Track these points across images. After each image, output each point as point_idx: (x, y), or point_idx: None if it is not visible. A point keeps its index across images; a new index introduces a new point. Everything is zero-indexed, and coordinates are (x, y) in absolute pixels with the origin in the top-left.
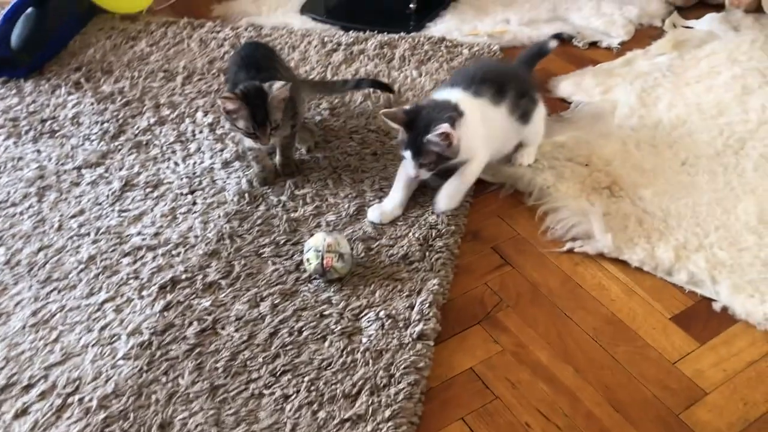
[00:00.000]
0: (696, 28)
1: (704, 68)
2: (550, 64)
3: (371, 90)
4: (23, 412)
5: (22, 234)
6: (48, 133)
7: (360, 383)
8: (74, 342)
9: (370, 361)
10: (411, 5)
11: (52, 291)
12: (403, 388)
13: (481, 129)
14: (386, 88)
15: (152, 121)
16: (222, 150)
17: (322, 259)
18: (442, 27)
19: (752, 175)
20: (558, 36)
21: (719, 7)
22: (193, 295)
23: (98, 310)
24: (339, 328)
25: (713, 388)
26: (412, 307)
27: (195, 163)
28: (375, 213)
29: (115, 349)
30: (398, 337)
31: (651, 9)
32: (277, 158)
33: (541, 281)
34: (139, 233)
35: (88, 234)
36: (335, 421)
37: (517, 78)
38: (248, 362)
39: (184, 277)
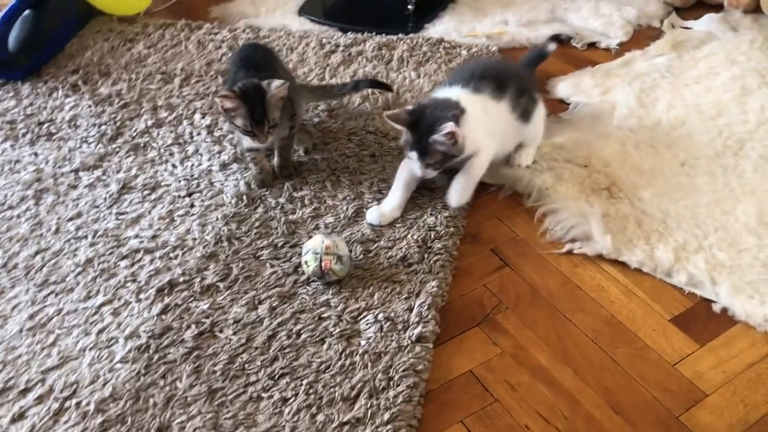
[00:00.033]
0: (694, 28)
1: (703, 69)
2: (549, 65)
3: (370, 91)
4: (20, 416)
5: (19, 237)
6: (45, 135)
7: (359, 386)
8: (71, 345)
9: (369, 363)
10: (409, 6)
11: (49, 294)
12: (402, 391)
13: (484, 122)
14: (385, 87)
15: (150, 123)
16: (220, 152)
17: (321, 261)
18: (440, 28)
19: (751, 176)
20: (556, 37)
21: (718, 8)
22: (191, 298)
23: (96, 313)
24: (337, 330)
25: (713, 389)
26: (410, 309)
27: (193, 165)
28: (374, 215)
29: (113, 352)
30: (397, 339)
31: (649, 10)
32: (275, 160)
33: (540, 283)
34: (136, 236)
35: (86, 237)
36: (334, 425)
37: (517, 76)
38: (246, 365)
39: (181, 279)
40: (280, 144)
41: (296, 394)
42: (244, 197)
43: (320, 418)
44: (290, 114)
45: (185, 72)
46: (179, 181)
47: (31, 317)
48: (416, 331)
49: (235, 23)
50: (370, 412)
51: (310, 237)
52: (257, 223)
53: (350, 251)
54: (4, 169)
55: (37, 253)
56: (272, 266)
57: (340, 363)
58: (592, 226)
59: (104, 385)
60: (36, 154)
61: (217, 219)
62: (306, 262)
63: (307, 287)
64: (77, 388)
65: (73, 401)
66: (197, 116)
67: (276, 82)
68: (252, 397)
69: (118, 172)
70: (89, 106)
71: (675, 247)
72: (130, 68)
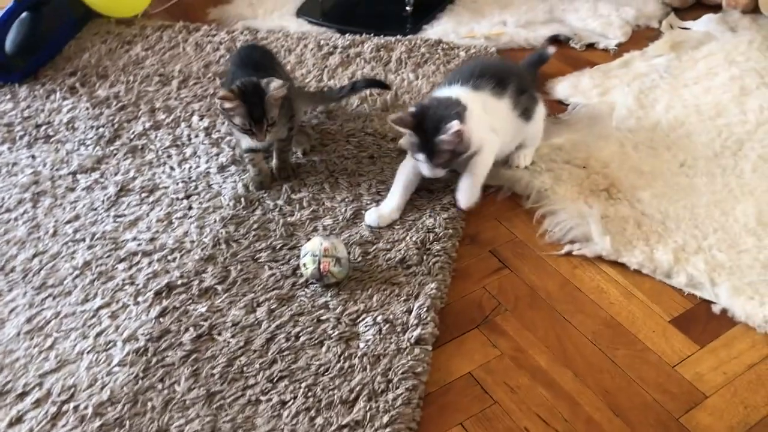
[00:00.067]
0: (693, 29)
1: (702, 69)
2: (547, 65)
3: (368, 93)
4: (18, 420)
5: (16, 240)
6: (43, 138)
7: (358, 389)
8: (69, 349)
9: (368, 366)
10: (407, 8)
11: (47, 297)
12: (401, 394)
13: (485, 120)
14: (382, 85)
15: (148, 125)
16: (218, 154)
17: (319, 263)
18: (438, 29)
19: (751, 176)
20: (554, 38)
21: (716, 8)
22: (189, 301)
23: (93, 316)
24: (336, 333)
25: (713, 391)
26: (409, 311)
27: (191, 167)
28: (372, 216)
29: (111, 355)
30: (396, 341)
31: (648, 10)
32: (274, 162)
33: (539, 284)
34: (134, 238)
35: (84, 239)
36: (333, 428)
37: (517, 74)
38: (245, 368)
39: (179, 282)
40: (278, 146)
41: (295, 397)
42: (242, 199)
43: (319, 421)
44: (288, 115)
45: (183, 74)
46: (177, 184)
47: (29, 320)
48: (415, 334)
49: (233, 25)
50: (369, 414)
51: (309, 239)
52: (255, 226)
53: (349, 253)
54: (2, 172)
55: (34, 256)
56: (270, 269)
57: (338, 366)
58: (591, 228)
59: (102, 388)
60: (33, 157)
61: (215, 221)
62: (304, 265)
63: (306, 290)
64: (75, 392)
65: (71, 405)
66: (195, 118)
67: (275, 82)
68: (250, 400)
69: (115, 174)
70: (87, 109)
71: (674, 248)
72: (128, 70)
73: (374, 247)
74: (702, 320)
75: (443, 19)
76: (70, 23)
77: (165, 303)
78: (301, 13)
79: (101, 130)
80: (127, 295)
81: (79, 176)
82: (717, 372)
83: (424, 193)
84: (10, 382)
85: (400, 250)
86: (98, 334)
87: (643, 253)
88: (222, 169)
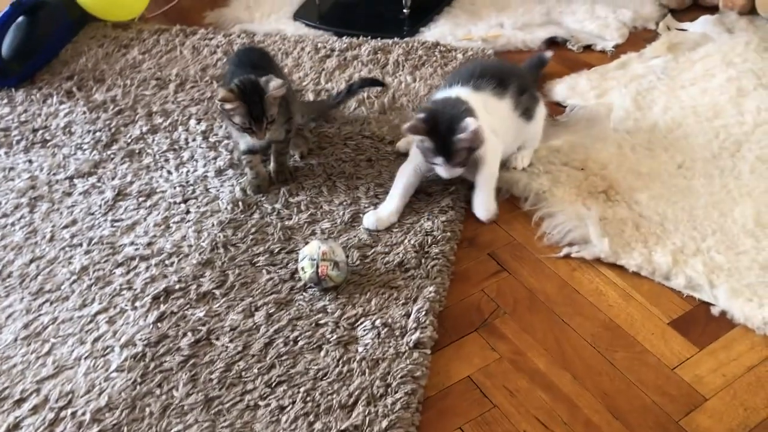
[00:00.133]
0: (690, 30)
1: (699, 71)
2: (545, 67)
3: (365, 95)
4: (15, 426)
5: (13, 245)
6: (39, 142)
7: (356, 393)
8: (67, 354)
9: (367, 370)
10: (404, 10)
11: (44, 303)
12: (400, 398)
13: (487, 121)
14: (378, 83)
15: (145, 129)
16: (215, 158)
17: (317, 267)
18: (435, 32)
19: (749, 177)
20: (552, 40)
21: (713, 10)
22: (187, 306)
23: (91, 321)
24: (335, 337)
25: (713, 393)
26: (408, 315)
27: (188, 171)
28: (371, 219)
29: (109, 361)
30: (395, 345)
31: (645, 12)
32: (271, 165)
33: (538, 287)
34: (132, 243)
35: (81, 244)
36: None
37: (517, 74)
38: (243, 373)
39: (177, 287)
40: (275, 149)
41: (293, 402)
42: (240, 203)
43: (318, 426)
44: (286, 117)
45: (180, 77)
46: (174, 188)
47: (26, 326)
48: (414, 337)
49: (230, 28)
50: (368, 419)
51: (307, 243)
52: (253, 230)
53: (347, 257)
54: None
55: (31, 261)
56: (269, 273)
57: (337, 370)
58: (589, 230)
59: (100, 394)
60: (30, 162)
61: (213, 225)
62: (303, 269)
63: (304, 294)
64: (72, 398)
65: (69, 411)
66: (192, 122)
67: (274, 81)
68: (249, 405)
69: (113, 178)
70: (84, 113)
71: (673, 250)
72: (125, 74)
73: (372, 250)
74: (701, 322)
75: (440, 21)
76: (66, 27)
77: (163, 308)
78: (298, 16)
79: (98, 134)
80: (124, 300)
81: (76, 181)
82: (716, 374)
83: (423, 196)
84: (8, 388)
85: (398, 253)
86: (96, 340)
87: (641, 255)
88: (219, 172)
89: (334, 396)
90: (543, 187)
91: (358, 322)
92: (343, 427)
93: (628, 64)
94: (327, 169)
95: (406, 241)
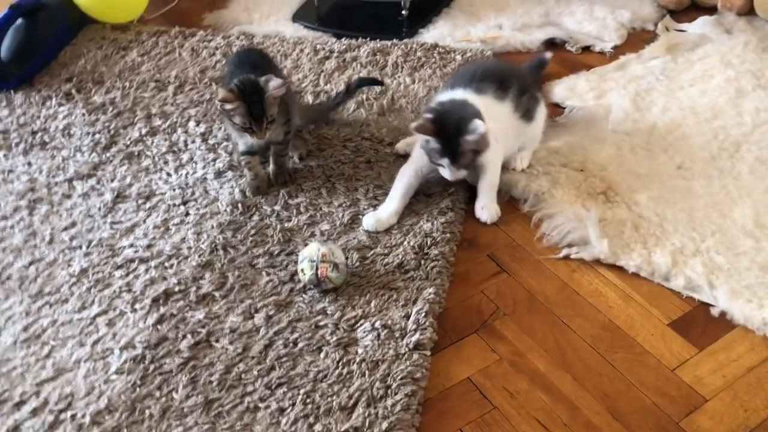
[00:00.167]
0: (689, 31)
1: (698, 71)
2: (545, 68)
3: (364, 97)
4: (15, 429)
5: (12, 247)
6: (39, 145)
7: (356, 395)
8: (66, 357)
9: (367, 372)
10: (403, 12)
11: (43, 305)
12: (400, 399)
13: (489, 125)
14: (376, 82)
15: (144, 131)
16: (215, 160)
17: (317, 269)
18: (434, 33)
19: (748, 178)
20: (550, 41)
21: (712, 10)
22: (187, 308)
23: (90, 324)
24: (334, 339)
25: (713, 394)
26: (408, 316)
27: (187, 173)
28: (370, 221)
29: (108, 363)
30: (394, 347)
31: (643, 13)
32: (271, 167)
33: (537, 288)
34: (131, 245)
35: (80, 247)
36: None
37: (517, 75)
38: (243, 375)
39: (177, 289)
40: (275, 150)
41: (293, 404)
42: (240, 205)
43: (318, 428)
44: (285, 118)
45: (179, 79)
46: (174, 190)
47: (26, 329)
48: (414, 339)
49: (229, 30)
50: (368, 421)
51: (306, 245)
52: (253, 231)
53: (346, 258)
54: None
55: (31, 263)
56: (268, 274)
57: (337, 372)
58: (588, 231)
59: (99, 396)
60: (29, 164)
61: (213, 227)
62: (302, 270)
63: (304, 295)
64: (72, 401)
65: (69, 414)
66: (191, 124)
67: (274, 81)
68: (249, 407)
69: (112, 181)
70: (83, 115)
71: (672, 250)
72: (124, 76)
73: (372, 252)
74: (701, 323)
75: (439, 22)
76: (65, 29)
77: (162, 310)
78: (297, 17)
79: (97, 136)
80: (124, 303)
81: (75, 183)
82: (716, 375)
83: (422, 197)
84: (7, 391)
85: (397, 255)
86: (95, 342)
87: (641, 256)
88: (219, 174)
89: (334, 398)
90: (542, 189)
91: (358, 324)
92: (343, 429)
93: (627, 65)
94: (326, 170)
95: (405, 242)
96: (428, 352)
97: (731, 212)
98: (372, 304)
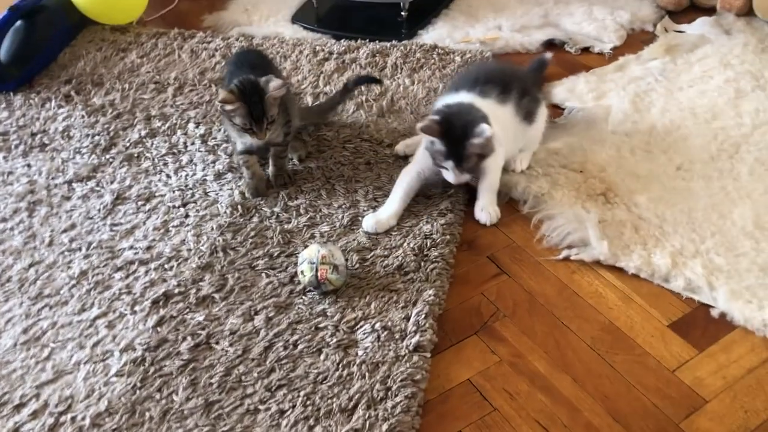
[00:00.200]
0: (688, 32)
1: (697, 72)
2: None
3: (364, 99)
4: (15, 431)
5: (12, 250)
6: (38, 146)
7: (356, 397)
8: (66, 359)
9: (367, 374)
10: (402, 13)
11: (43, 307)
12: (401, 401)
13: (495, 127)
14: (373, 80)
15: (143, 133)
16: (214, 162)
17: (317, 271)
18: (433, 34)
19: (747, 179)
20: (549, 43)
21: (711, 11)
22: (187, 310)
23: (90, 326)
24: (334, 340)
25: (713, 396)
26: (408, 318)
27: (187, 175)
28: (370, 222)
29: (108, 366)
30: (394, 349)
31: (642, 14)
32: (270, 169)
33: (537, 290)
34: (131, 247)
35: (80, 249)
36: None
37: (519, 77)
38: (243, 377)
39: (177, 291)
40: (274, 152)
41: (294, 406)
42: (239, 207)
43: (318, 430)
44: (285, 120)
45: (178, 81)
46: (173, 192)
47: (25, 331)
48: (414, 341)
49: (228, 32)
50: (368, 423)
51: (306, 246)
52: (252, 233)
53: (346, 260)
54: None
55: (30, 265)
56: (268, 276)
57: (337, 374)
58: (588, 232)
59: (99, 399)
60: (29, 166)
61: (212, 229)
62: (302, 272)
63: (304, 297)
64: (72, 403)
65: (69, 416)
66: (191, 125)
67: (274, 82)
68: (249, 409)
69: (111, 182)
70: (82, 117)
71: (672, 252)
72: (123, 78)
73: (372, 253)
74: (700, 324)
75: (438, 24)
76: (64, 31)
77: (162, 312)
78: (296, 19)
79: (97, 138)
80: (123, 305)
81: (74, 185)
82: (716, 376)
83: (421, 199)
84: (7, 393)
85: (397, 256)
86: (95, 344)
87: (640, 257)
88: (218, 176)
89: (335, 400)
90: (542, 190)
91: (358, 326)
92: (343, 431)
93: (626, 66)
94: (326, 172)
95: (405, 244)
96: (428, 354)
97: (731, 213)
98: (372, 306)
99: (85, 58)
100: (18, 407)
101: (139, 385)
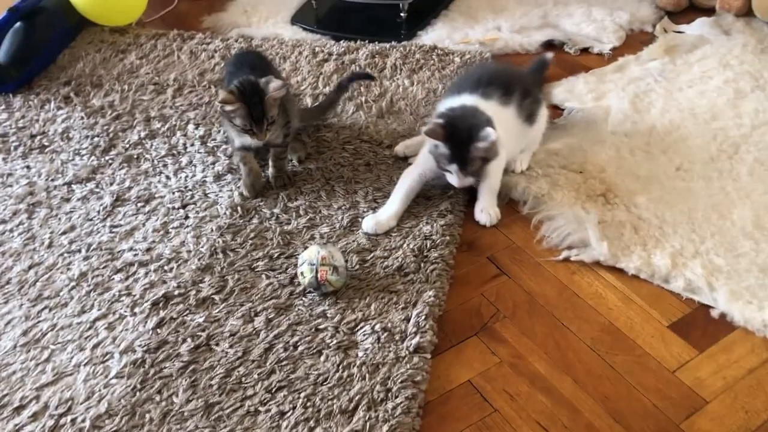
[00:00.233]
0: (687, 32)
1: (696, 73)
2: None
3: (363, 100)
4: None
5: (12, 252)
6: (38, 148)
7: (357, 398)
8: (66, 361)
9: (367, 375)
10: (402, 14)
11: (43, 309)
12: (401, 403)
13: (499, 130)
14: (367, 77)
15: (143, 134)
16: (214, 163)
17: (317, 272)
18: (433, 35)
19: (747, 179)
20: (549, 43)
21: (710, 12)
22: (187, 311)
23: (90, 328)
24: (335, 342)
25: (714, 396)
26: (408, 319)
27: (187, 176)
28: (370, 223)
29: (108, 367)
30: (395, 350)
31: (641, 14)
32: (270, 170)
33: (537, 291)
34: (131, 249)
35: (79, 250)
36: None
37: (520, 78)
38: (243, 379)
39: (176, 292)
40: (274, 153)
41: (294, 408)
42: (239, 208)
43: (318, 431)
44: (284, 121)
45: (178, 82)
46: (173, 193)
47: (25, 333)
48: (414, 342)
49: (228, 33)
50: (368, 424)
51: (306, 248)
52: (252, 235)
53: (346, 261)
54: None
55: (30, 267)
56: (268, 278)
57: (337, 375)
58: (588, 233)
59: (99, 401)
60: (28, 167)
61: (212, 230)
62: (302, 273)
63: (304, 298)
64: (72, 405)
65: (69, 418)
66: (190, 127)
67: (274, 82)
68: (249, 411)
69: (111, 184)
70: (81, 118)
71: (672, 252)
72: (123, 79)
73: (371, 255)
74: (701, 325)
75: (438, 24)
76: (63, 32)
77: (162, 314)
78: (295, 20)
79: (96, 139)
80: (123, 306)
81: (74, 186)
82: (717, 377)
83: (421, 200)
84: (7, 395)
85: (397, 257)
86: (95, 346)
87: (640, 258)
88: (218, 177)
89: (335, 401)
90: (542, 191)
91: (358, 327)
92: None
93: (626, 66)
94: (325, 173)
95: (405, 245)
96: (428, 355)
97: (730, 214)
98: (372, 307)
99: (85, 59)
100: (18, 409)
101: (139, 386)
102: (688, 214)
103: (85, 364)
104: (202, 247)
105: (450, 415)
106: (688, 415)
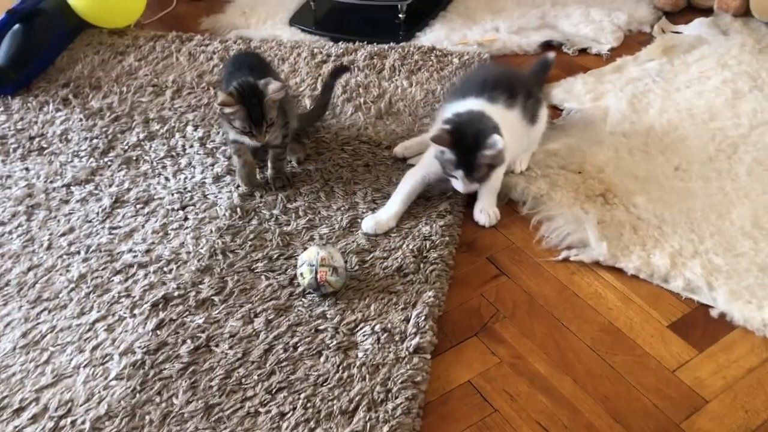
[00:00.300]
0: (685, 33)
1: (694, 73)
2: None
3: (362, 101)
4: None
5: (11, 253)
6: (36, 150)
7: (357, 399)
8: (65, 363)
9: (367, 376)
10: (400, 15)
11: (42, 311)
12: (401, 403)
13: (505, 135)
14: (344, 69)
15: (142, 136)
16: (213, 164)
17: (316, 273)
18: (431, 36)
19: (746, 179)
20: (547, 44)
21: (708, 12)
22: (186, 313)
23: (90, 329)
24: (334, 343)
25: (713, 396)
26: (407, 320)
27: (186, 178)
28: (369, 223)
29: (108, 369)
30: (394, 350)
31: (639, 15)
32: (269, 171)
33: (537, 291)
34: (130, 250)
35: (79, 252)
36: None
37: (523, 80)
38: (243, 380)
39: (176, 294)
40: (273, 154)
41: (294, 409)
42: (238, 209)
43: None
44: (283, 122)
45: (177, 84)
46: (172, 194)
47: (25, 335)
48: (414, 342)
49: (226, 34)
50: (369, 425)
51: (305, 248)
52: (252, 236)
53: (346, 262)
54: None
55: (29, 269)
56: (267, 279)
57: (337, 376)
58: (587, 233)
59: (99, 402)
60: (27, 169)
61: (212, 232)
62: (301, 274)
63: (303, 299)
64: (72, 407)
65: (68, 420)
66: (189, 128)
67: (273, 84)
68: (249, 412)
69: (110, 186)
70: (80, 120)
71: (671, 252)
72: (121, 81)
73: (371, 255)
74: (700, 325)
75: (436, 26)
76: (62, 34)
77: (162, 315)
78: (294, 21)
79: (95, 141)
80: (123, 308)
81: (73, 188)
82: (717, 376)
83: (421, 200)
84: (7, 397)
85: (396, 258)
86: (95, 348)
87: (640, 258)
88: (217, 179)
89: (335, 402)
90: (541, 191)
91: (358, 328)
92: None
93: (624, 67)
94: (324, 174)
95: (404, 245)
96: (428, 356)
97: (729, 213)
98: (372, 308)
99: (83, 61)
100: (17, 411)
101: (138, 388)
102: (687, 214)
103: (84, 366)
104: (201, 248)
105: (450, 415)
106: (688, 414)
